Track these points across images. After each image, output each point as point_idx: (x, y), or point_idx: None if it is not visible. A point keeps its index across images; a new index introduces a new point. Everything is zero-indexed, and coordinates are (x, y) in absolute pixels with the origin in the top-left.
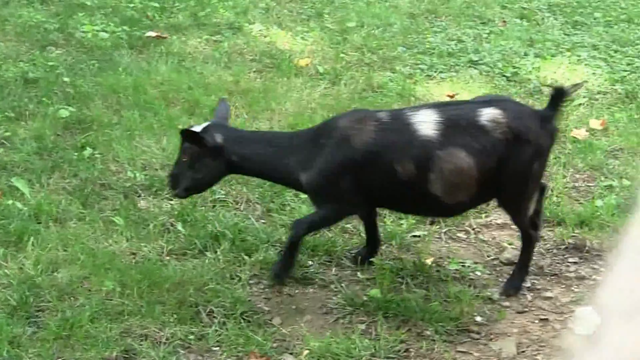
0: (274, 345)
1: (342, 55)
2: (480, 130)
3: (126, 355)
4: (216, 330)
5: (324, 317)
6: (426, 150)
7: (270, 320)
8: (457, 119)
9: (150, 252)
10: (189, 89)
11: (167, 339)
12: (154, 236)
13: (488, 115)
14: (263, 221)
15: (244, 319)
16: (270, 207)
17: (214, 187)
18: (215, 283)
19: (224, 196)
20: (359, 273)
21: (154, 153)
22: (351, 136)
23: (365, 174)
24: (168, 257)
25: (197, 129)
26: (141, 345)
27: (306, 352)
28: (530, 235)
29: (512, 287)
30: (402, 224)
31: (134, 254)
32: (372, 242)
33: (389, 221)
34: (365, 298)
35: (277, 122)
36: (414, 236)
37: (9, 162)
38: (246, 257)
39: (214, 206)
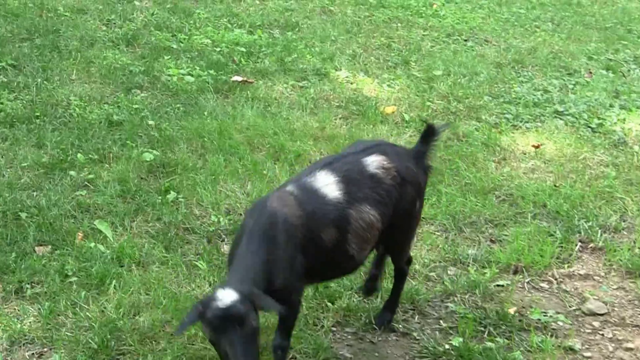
0: None
1: (428, 103)
2: (373, 180)
3: None
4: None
5: None
6: (340, 212)
7: (389, 322)
8: (351, 174)
9: None
10: (274, 135)
11: None
12: None
13: (375, 163)
14: None
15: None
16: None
17: None
18: (298, 329)
19: None
20: (441, 321)
21: (238, 198)
22: (288, 217)
23: (305, 251)
24: None
25: (239, 300)
26: None
27: None
28: (404, 271)
29: (385, 320)
30: (485, 273)
31: None
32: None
33: (472, 270)
34: (447, 346)
35: None
36: (498, 285)
37: (92, 205)
38: (329, 304)
39: None
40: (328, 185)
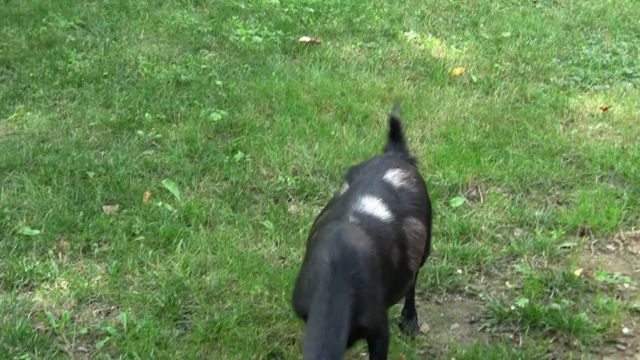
0: (421, 352)
1: (496, 65)
2: (404, 193)
3: (273, 359)
4: None
5: (471, 325)
6: (397, 230)
7: (418, 327)
8: (386, 194)
9: (299, 257)
10: (342, 95)
11: None
12: (303, 241)
13: (396, 177)
14: None
15: (391, 325)
16: None
17: None
18: None
19: None
20: (507, 282)
21: (305, 158)
22: (366, 251)
23: (383, 279)
24: None
25: None
26: (288, 349)
27: (453, 359)
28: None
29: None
30: (551, 234)
31: (282, 258)
32: None
33: (539, 231)
34: (513, 307)
35: (429, 130)
36: (564, 247)
37: (160, 164)
38: None
39: None
40: (377, 208)
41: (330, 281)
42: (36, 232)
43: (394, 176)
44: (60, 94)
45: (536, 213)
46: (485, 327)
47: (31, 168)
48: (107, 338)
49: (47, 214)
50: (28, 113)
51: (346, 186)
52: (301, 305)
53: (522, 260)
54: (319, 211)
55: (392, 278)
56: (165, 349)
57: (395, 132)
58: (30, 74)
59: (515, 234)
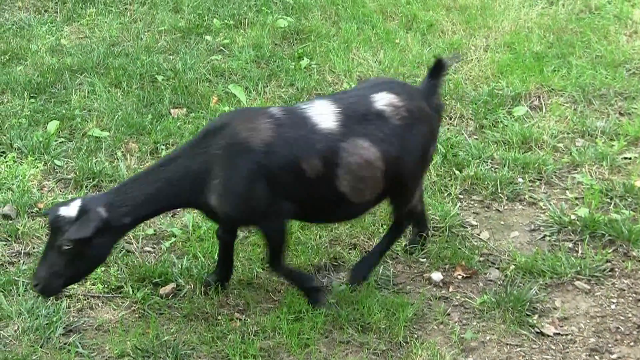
0: (481, 259)
1: None
2: (379, 117)
3: (335, 263)
4: (423, 244)
5: (531, 234)
6: (330, 144)
7: (478, 235)
8: (355, 107)
9: None
10: (407, 4)
11: None
12: None
13: (383, 100)
14: (475, 137)
15: (452, 232)
16: (483, 123)
17: None
18: (427, 197)
19: None
20: (567, 192)
21: (370, 65)
22: (247, 139)
23: (274, 178)
24: None
25: (72, 209)
26: (350, 253)
27: (512, 267)
28: (403, 225)
29: (360, 276)
30: (613, 145)
31: None
32: (226, 268)
33: (600, 142)
34: (572, 216)
35: (493, 40)
36: (625, 158)
37: (227, 69)
38: (457, 172)
39: None
40: (323, 114)
41: (185, 147)
42: (105, 134)
43: (382, 98)
44: None
45: (598, 123)
46: (544, 236)
47: (102, 71)
48: (173, 239)
49: (116, 116)
50: (99, 17)
51: None
52: None
53: (583, 170)
54: None
55: (304, 189)
56: None
57: (436, 73)
58: None
59: (576, 143)
